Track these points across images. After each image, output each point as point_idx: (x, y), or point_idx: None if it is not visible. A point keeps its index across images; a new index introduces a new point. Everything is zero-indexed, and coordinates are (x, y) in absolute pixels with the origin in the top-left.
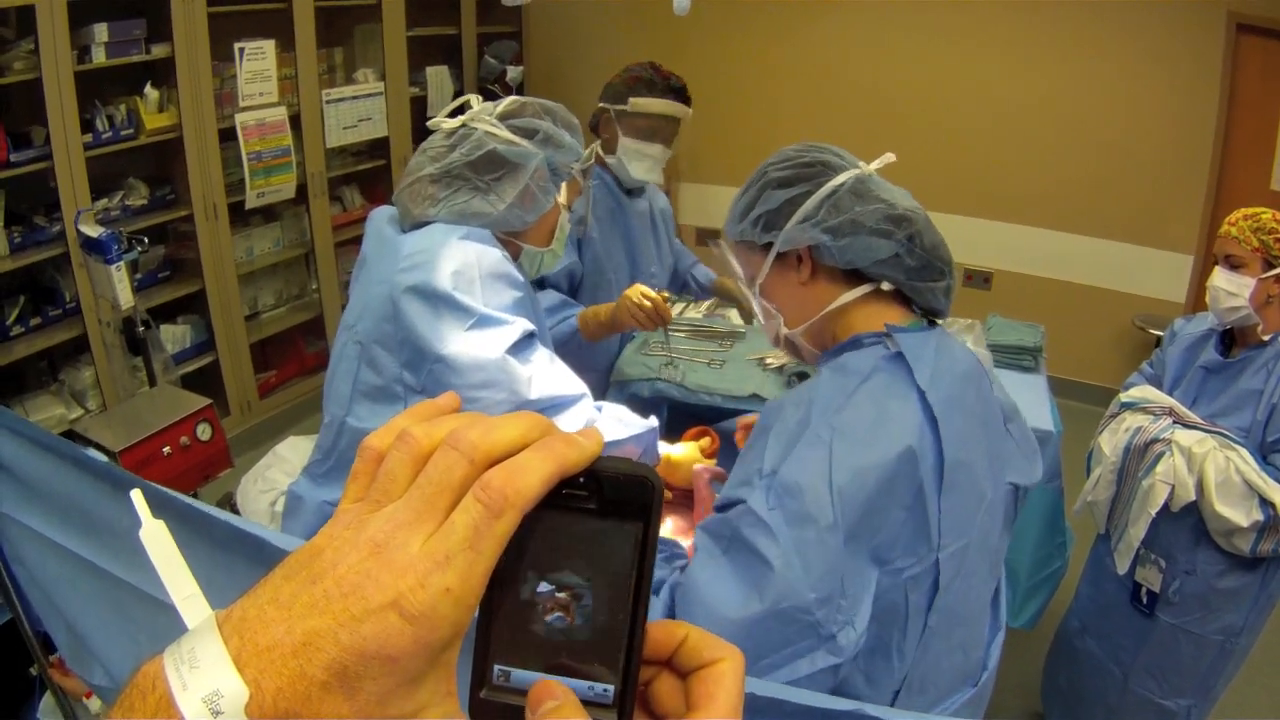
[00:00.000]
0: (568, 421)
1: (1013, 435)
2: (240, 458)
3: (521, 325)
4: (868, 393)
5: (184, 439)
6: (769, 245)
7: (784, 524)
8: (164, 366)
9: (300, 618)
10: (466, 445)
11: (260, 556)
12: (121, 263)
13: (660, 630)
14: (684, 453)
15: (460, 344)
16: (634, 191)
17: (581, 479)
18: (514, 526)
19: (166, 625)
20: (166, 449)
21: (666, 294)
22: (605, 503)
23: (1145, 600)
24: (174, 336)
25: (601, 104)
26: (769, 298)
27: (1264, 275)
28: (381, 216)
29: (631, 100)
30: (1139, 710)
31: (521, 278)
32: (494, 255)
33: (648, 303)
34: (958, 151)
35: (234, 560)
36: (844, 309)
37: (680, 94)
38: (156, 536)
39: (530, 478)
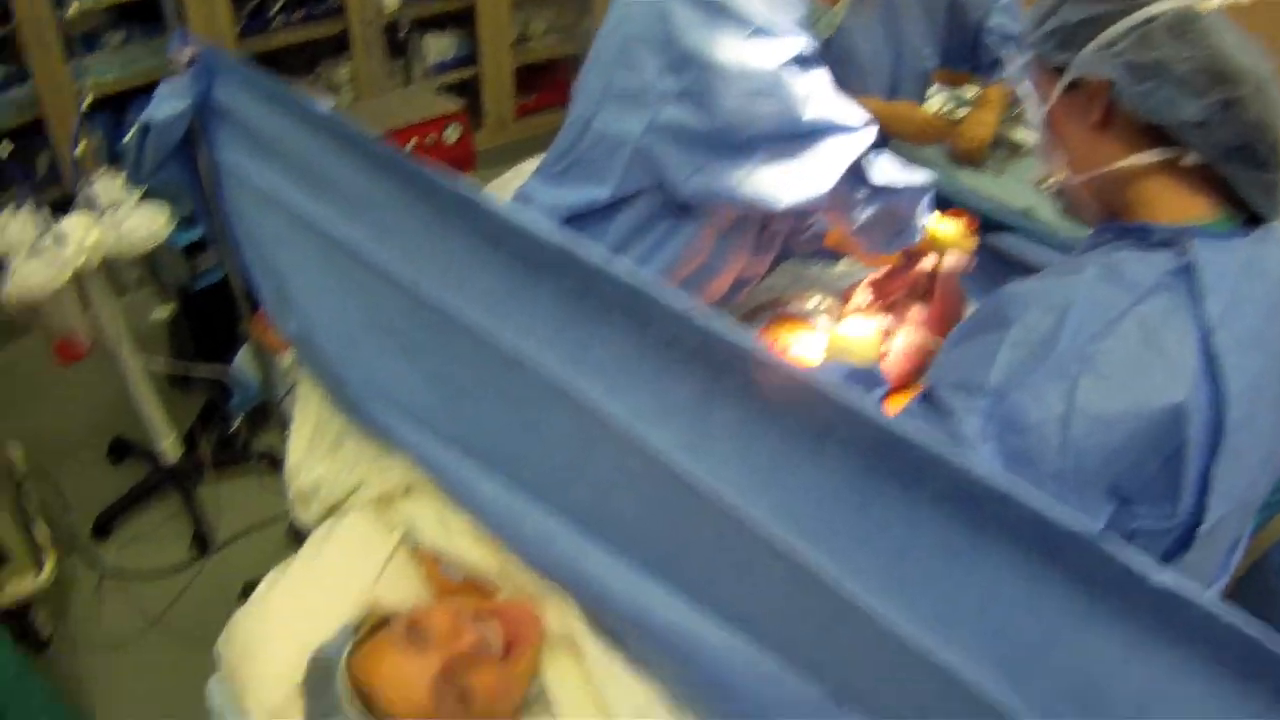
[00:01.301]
0: (851, 145)
1: None
2: (485, 171)
3: (804, 41)
4: (1138, 319)
5: (431, 137)
6: (1061, 70)
7: (997, 457)
8: (423, 73)
9: None
10: None
11: (478, 228)
12: None
13: None
14: (954, 233)
15: (734, 51)
16: None
17: None
18: None
19: (377, 288)
20: (411, 143)
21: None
22: None
23: None
24: (438, 47)
25: None
26: (1054, 132)
27: None
28: None
29: None
30: None
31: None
32: None
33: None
34: None
35: (450, 228)
36: (1140, 175)
37: None
38: None
39: None
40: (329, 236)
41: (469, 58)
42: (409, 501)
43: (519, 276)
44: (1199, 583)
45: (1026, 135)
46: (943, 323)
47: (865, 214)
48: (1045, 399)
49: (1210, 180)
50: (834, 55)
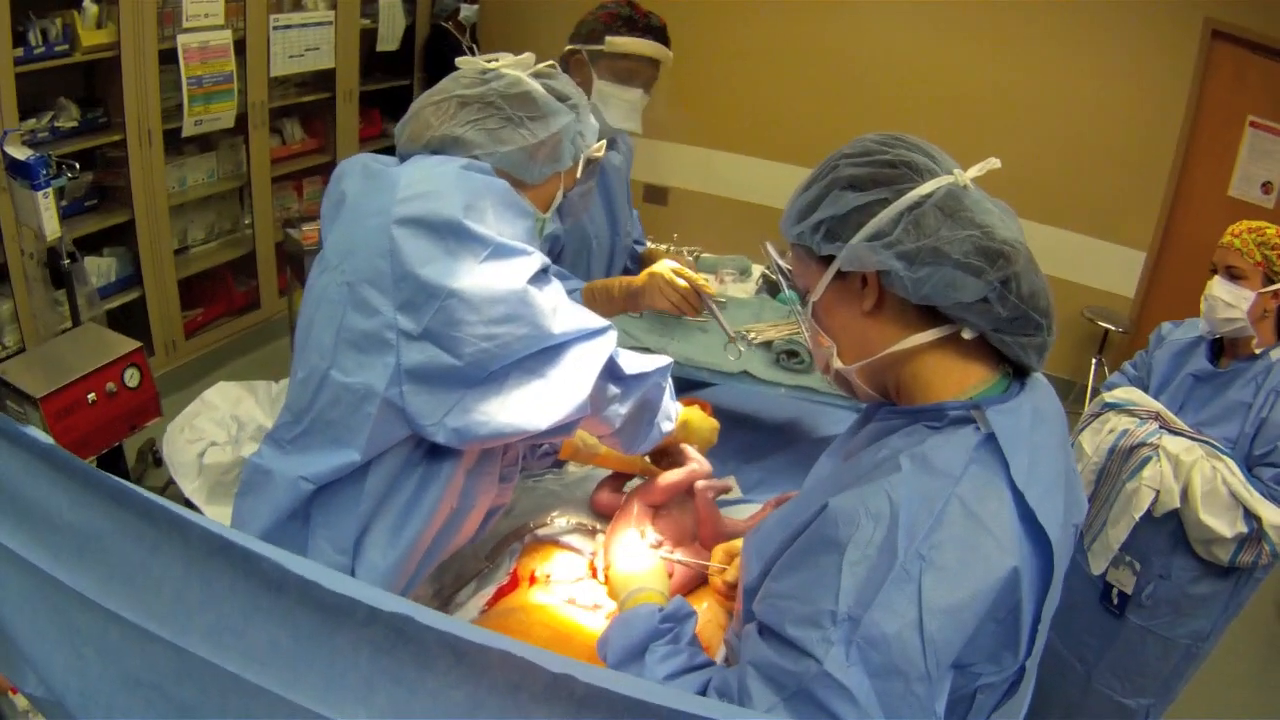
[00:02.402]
0: (598, 350)
1: (1073, 466)
2: (165, 399)
3: (540, 257)
4: (960, 503)
5: (110, 385)
6: (830, 258)
7: (865, 678)
8: (88, 302)
9: None
10: None
11: (252, 571)
12: (49, 189)
13: None
14: (698, 415)
15: (475, 277)
16: (609, 144)
17: None
18: None
19: (119, 640)
20: (91, 396)
21: (704, 277)
22: None
23: (1116, 601)
24: (99, 269)
25: (572, 45)
26: (823, 320)
27: (1263, 290)
28: (361, 158)
29: (608, 39)
30: (1099, 707)
31: (530, 207)
32: (501, 184)
33: (682, 283)
34: (919, 130)
35: (212, 569)
36: (916, 354)
37: (661, 34)
38: None
39: None
40: (50, 577)
41: (133, 277)
42: None
43: (311, 627)
44: (1024, 695)
45: (714, 283)
46: (713, 542)
47: (623, 410)
48: (897, 608)
49: (982, 346)
50: (569, 243)
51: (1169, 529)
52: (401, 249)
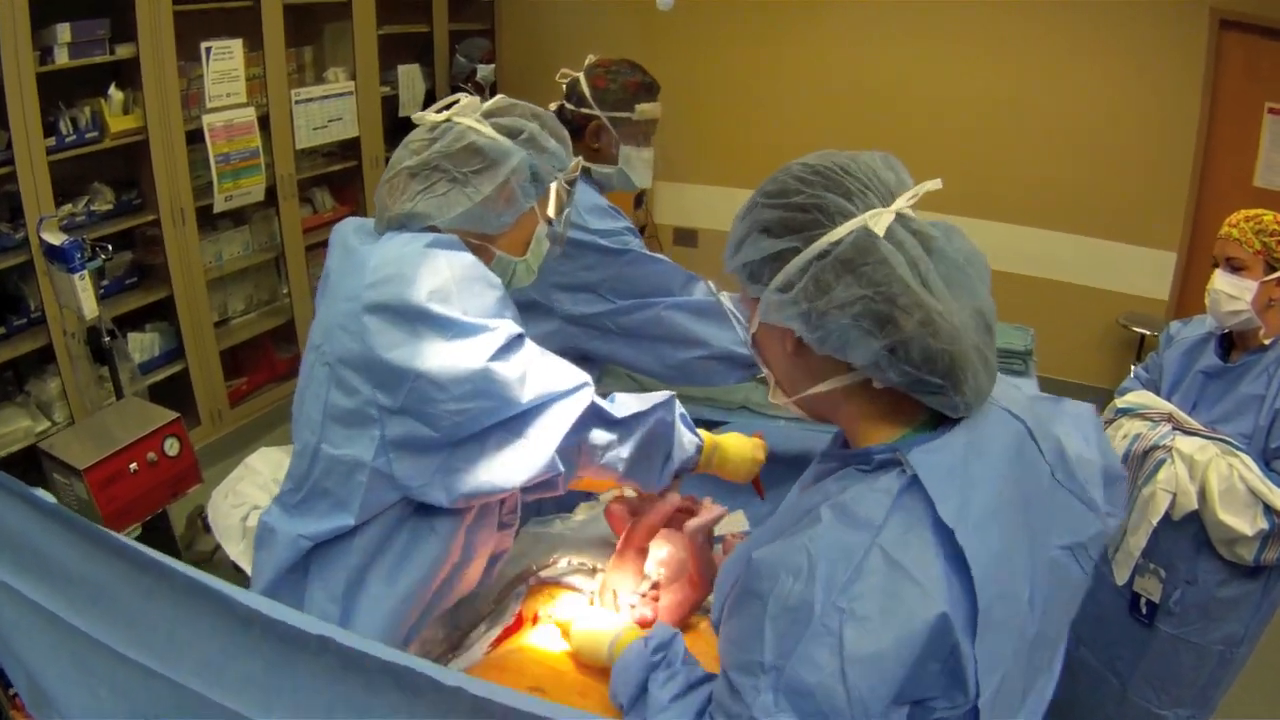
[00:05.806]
0: (568, 408)
1: (1063, 484)
2: (212, 468)
3: (506, 328)
4: (881, 553)
5: (151, 455)
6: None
7: None
8: (131, 376)
9: None
10: None
11: (225, 610)
12: (85, 271)
13: None
14: (738, 442)
15: (440, 358)
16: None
17: None
18: None
19: (126, 678)
20: (133, 465)
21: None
22: None
23: (1145, 610)
24: (142, 345)
25: (592, 111)
26: (759, 353)
27: (1266, 278)
28: (347, 228)
29: (638, 108)
30: None
31: (496, 278)
32: (465, 259)
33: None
34: (938, 149)
35: (195, 610)
36: (843, 396)
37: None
38: None
39: None
40: (69, 626)
41: (176, 351)
42: None
43: (277, 658)
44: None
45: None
46: (702, 579)
47: (624, 453)
48: (817, 661)
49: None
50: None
51: (1191, 532)
52: (370, 335)
